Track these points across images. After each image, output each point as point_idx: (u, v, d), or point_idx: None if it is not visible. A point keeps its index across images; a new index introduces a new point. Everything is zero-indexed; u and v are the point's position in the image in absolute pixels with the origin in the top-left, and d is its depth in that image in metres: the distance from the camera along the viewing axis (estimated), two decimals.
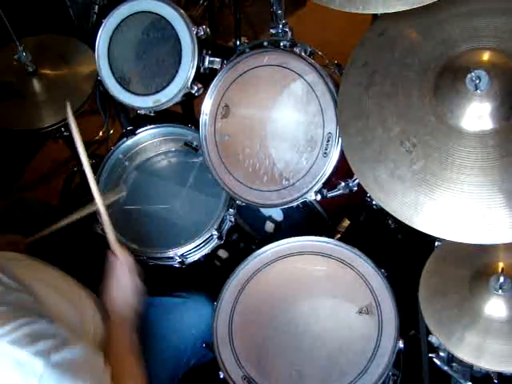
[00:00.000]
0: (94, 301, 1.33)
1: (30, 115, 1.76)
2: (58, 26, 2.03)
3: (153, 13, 1.62)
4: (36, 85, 1.77)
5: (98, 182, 1.76)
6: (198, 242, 1.64)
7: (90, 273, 1.40)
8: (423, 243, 1.36)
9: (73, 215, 1.54)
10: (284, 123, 1.54)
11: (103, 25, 1.67)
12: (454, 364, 1.29)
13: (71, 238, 1.64)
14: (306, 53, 1.49)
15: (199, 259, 1.70)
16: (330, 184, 1.52)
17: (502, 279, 1.15)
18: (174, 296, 1.54)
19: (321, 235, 1.52)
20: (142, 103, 1.69)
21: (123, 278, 1.34)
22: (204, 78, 1.65)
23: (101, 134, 2.50)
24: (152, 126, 1.84)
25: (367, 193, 1.18)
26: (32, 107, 1.76)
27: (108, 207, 1.48)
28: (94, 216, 1.61)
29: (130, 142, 1.84)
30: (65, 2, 2.06)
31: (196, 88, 1.63)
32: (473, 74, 1.06)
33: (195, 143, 1.80)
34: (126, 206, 1.80)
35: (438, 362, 1.30)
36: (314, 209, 1.68)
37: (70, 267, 1.38)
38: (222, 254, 1.79)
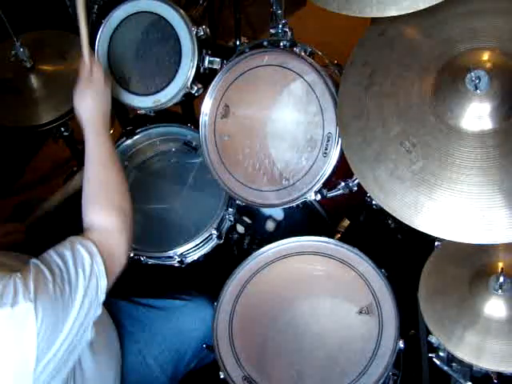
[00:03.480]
0: None
1: (27, 112, 1.73)
2: (58, 25, 2.02)
3: (153, 13, 1.62)
4: (34, 81, 1.75)
5: None
6: (197, 241, 1.64)
7: None
8: (423, 243, 1.36)
9: (62, 190, 1.52)
10: (284, 123, 1.54)
11: (103, 25, 1.67)
12: (453, 364, 1.29)
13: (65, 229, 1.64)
14: (305, 53, 1.49)
15: (199, 259, 1.70)
16: (329, 184, 1.52)
17: (501, 279, 1.15)
18: (174, 298, 1.54)
19: (321, 235, 1.52)
20: (142, 103, 1.69)
21: (89, 81, 1.33)
22: (204, 77, 1.65)
23: None
24: (152, 126, 1.84)
25: (367, 193, 1.18)
26: (29, 103, 1.73)
27: None
28: None
29: (129, 141, 1.84)
30: (64, 2, 2.06)
31: (196, 88, 1.63)
32: (472, 73, 1.06)
33: (195, 143, 1.80)
34: None
35: (437, 362, 1.30)
36: (314, 209, 1.68)
37: None
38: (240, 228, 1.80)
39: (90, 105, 1.31)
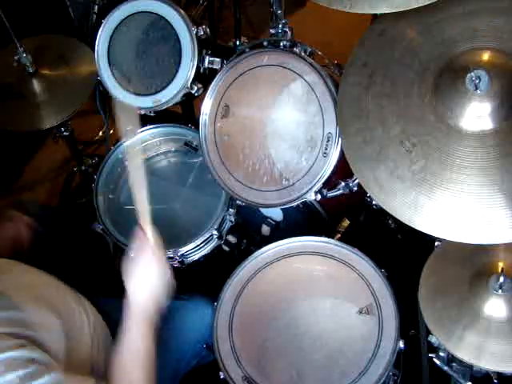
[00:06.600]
0: (88, 307, 1.32)
1: (30, 116, 1.75)
2: (58, 26, 2.03)
3: (153, 13, 1.62)
4: (36, 85, 1.76)
5: (97, 181, 1.76)
6: (197, 242, 1.64)
7: (89, 274, 1.40)
8: (423, 243, 1.36)
9: None
10: (284, 123, 1.54)
11: (103, 25, 1.66)
12: (453, 364, 1.29)
13: (70, 238, 1.64)
14: (305, 53, 1.50)
15: (199, 259, 1.70)
16: (329, 184, 1.52)
17: (501, 279, 1.15)
18: (174, 298, 1.54)
19: (321, 235, 1.52)
20: (142, 103, 1.69)
21: (151, 265, 1.21)
22: (204, 78, 1.65)
23: (101, 133, 2.51)
24: (152, 126, 1.84)
25: (367, 193, 1.18)
26: (32, 108, 1.75)
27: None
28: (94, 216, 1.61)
29: (129, 141, 1.84)
30: (65, 3, 2.06)
31: (196, 88, 1.63)
32: (473, 73, 1.06)
33: (195, 143, 1.80)
34: (126, 206, 1.79)
35: (437, 362, 1.30)
36: (314, 209, 1.68)
37: (68, 269, 1.37)
38: (231, 239, 1.77)
39: (146, 289, 1.21)
